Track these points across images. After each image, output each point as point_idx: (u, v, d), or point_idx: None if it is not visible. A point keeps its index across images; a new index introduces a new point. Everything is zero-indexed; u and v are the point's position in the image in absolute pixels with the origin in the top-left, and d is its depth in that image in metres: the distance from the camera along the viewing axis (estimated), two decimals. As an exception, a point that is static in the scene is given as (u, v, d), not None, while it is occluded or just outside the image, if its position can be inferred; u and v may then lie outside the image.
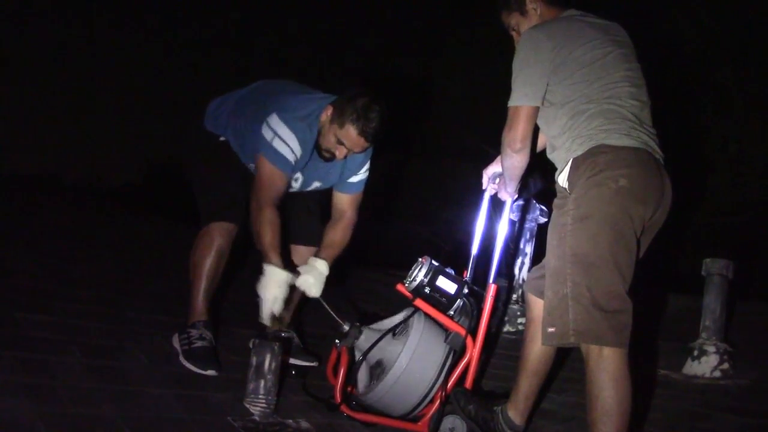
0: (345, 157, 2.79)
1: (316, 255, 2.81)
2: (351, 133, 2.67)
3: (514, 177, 2.44)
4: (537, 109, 2.26)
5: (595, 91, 2.20)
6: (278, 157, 2.72)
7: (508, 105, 2.27)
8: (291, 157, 2.74)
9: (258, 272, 2.64)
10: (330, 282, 2.75)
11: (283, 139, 2.70)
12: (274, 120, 2.72)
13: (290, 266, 2.77)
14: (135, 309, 3.25)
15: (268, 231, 2.66)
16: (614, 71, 2.23)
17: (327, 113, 2.74)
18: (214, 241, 2.81)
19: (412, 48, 10.54)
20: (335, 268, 2.82)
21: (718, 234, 7.47)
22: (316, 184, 3.01)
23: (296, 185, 2.99)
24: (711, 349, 3.19)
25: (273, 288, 2.59)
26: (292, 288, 2.68)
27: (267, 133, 2.71)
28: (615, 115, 2.16)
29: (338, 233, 2.91)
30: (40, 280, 3.31)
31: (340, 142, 2.71)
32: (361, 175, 2.99)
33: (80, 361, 2.39)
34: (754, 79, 7.97)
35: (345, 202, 3.00)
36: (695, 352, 3.22)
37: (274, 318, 2.63)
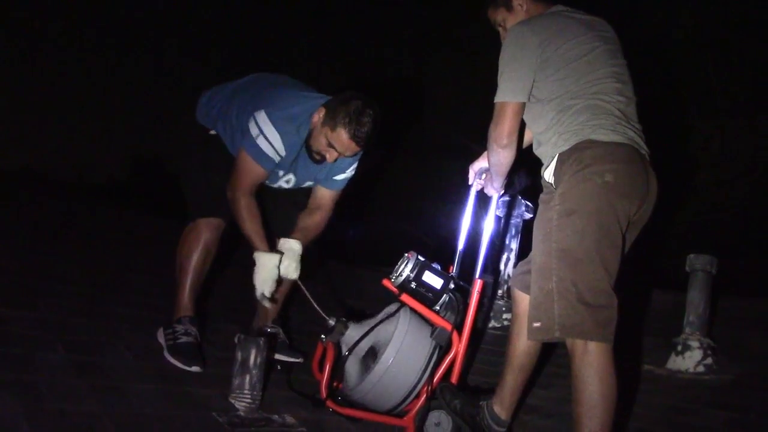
0: (335, 160, 2.75)
1: (288, 236, 2.79)
2: (342, 136, 2.62)
3: (500, 173, 2.44)
4: (523, 105, 2.26)
5: (581, 86, 2.20)
6: (260, 155, 2.70)
7: (495, 101, 2.27)
8: (274, 156, 2.72)
9: (247, 268, 2.64)
10: (316, 278, 2.74)
11: (268, 138, 2.68)
12: (262, 117, 2.68)
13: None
14: (120, 305, 3.23)
15: (247, 219, 2.70)
16: (601, 67, 2.23)
17: (319, 114, 2.69)
18: (202, 236, 2.80)
19: (400, 46, 10.54)
20: (322, 265, 2.81)
21: (702, 230, 7.53)
22: (308, 184, 2.99)
23: (288, 186, 2.97)
24: (695, 344, 3.22)
25: (263, 272, 2.63)
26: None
27: (253, 129, 2.69)
28: (601, 111, 2.17)
29: (313, 220, 2.90)
30: (24, 276, 3.28)
31: (330, 145, 2.66)
32: (348, 173, 2.95)
33: (64, 357, 2.38)
34: (736, 79, 8.04)
35: (325, 197, 2.96)
36: (679, 347, 3.25)
37: (266, 298, 2.67)
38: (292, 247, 2.73)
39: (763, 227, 7.31)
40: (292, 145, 2.74)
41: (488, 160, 2.44)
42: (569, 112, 2.19)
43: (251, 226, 2.70)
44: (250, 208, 2.72)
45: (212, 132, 2.94)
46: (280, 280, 2.70)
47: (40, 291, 3.07)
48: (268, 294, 2.65)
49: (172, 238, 2.94)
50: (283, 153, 2.73)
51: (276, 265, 2.65)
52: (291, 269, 2.70)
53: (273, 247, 2.72)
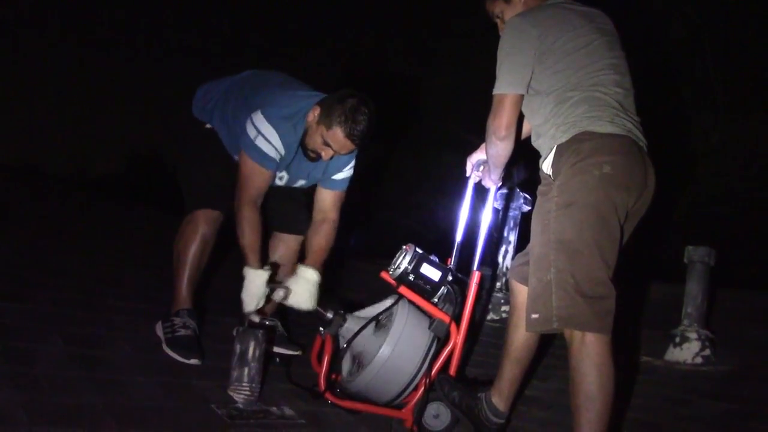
0: (330, 158, 2.75)
1: (304, 263, 2.78)
2: (338, 134, 2.61)
3: (498, 165, 2.44)
4: (522, 97, 2.26)
5: (579, 78, 2.20)
6: (261, 156, 2.69)
7: (493, 93, 2.26)
8: (275, 155, 2.71)
9: (242, 263, 2.64)
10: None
11: (267, 138, 2.67)
12: (259, 118, 2.67)
13: (271, 256, 2.81)
14: (118, 298, 3.23)
15: (246, 231, 2.67)
16: (599, 59, 2.23)
17: (314, 113, 2.68)
18: (199, 229, 2.79)
19: (397, 40, 10.52)
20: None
21: (700, 222, 7.54)
22: (300, 182, 2.98)
23: (281, 183, 2.96)
24: (693, 335, 3.23)
25: (252, 288, 2.62)
26: (272, 278, 2.68)
27: (251, 131, 2.68)
28: (599, 103, 2.17)
29: (323, 238, 2.87)
30: (23, 269, 3.28)
31: (326, 144, 2.65)
32: (346, 172, 2.93)
33: (62, 350, 2.37)
34: (735, 73, 8.04)
35: (327, 201, 2.94)
36: (677, 339, 3.26)
37: (255, 314, 2.63)
38: (309, 277, 2.69)
39: (761, 219, 7.33)
40: (290, 143, 2.73)
41: (486, 152, 2.43)
42: (567, 104, 2.19)
43: (248, 240, 2.67)
44: (252, 222, 2.69)
45: (208, 126, 2.94)
46: (269, 298, 2.68)
47: (40, 284, 3.07)
48: (253, 309, 2.63)
49: (170, 231, 2.93)
50: (282, 151, 2.72)
51: (264, 283, 2.63)
52: (303, 300, 2.65)
53: (267, 246, 2.71)
